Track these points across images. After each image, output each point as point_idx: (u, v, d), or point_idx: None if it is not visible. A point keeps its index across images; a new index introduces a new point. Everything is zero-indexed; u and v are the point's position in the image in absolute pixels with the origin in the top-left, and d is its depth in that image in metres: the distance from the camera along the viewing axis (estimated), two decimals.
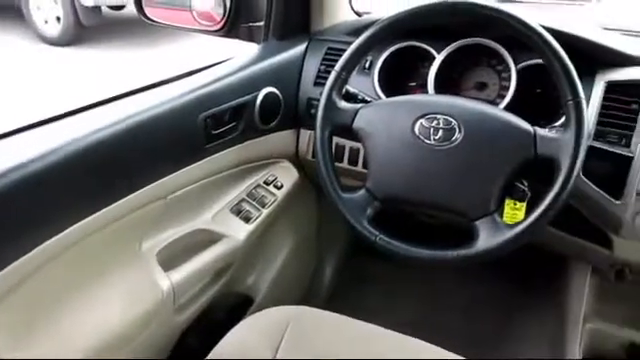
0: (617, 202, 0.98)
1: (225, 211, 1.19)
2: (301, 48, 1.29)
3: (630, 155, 0.96)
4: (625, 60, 1.04)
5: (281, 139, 1.28)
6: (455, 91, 1.19)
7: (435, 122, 0.93)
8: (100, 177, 0.90)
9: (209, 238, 1.14)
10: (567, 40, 0.91)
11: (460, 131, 0.91)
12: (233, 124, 1.15)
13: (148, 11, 1.28)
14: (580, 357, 1.18)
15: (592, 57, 1.04)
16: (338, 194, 0.99)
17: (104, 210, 0.91)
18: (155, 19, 1.29)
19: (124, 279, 0.98)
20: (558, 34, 0.90)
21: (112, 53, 5.04)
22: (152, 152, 0.99)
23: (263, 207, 1.23)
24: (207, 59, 1.26)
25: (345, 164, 1.23)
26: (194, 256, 1.10)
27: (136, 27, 5.53)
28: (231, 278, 1.22)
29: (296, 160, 1.33)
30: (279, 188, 1.27)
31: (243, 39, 1.31)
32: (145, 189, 0.97)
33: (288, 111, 1.26)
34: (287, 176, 1.30)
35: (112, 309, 0.95)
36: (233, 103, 1.12)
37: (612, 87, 1.01)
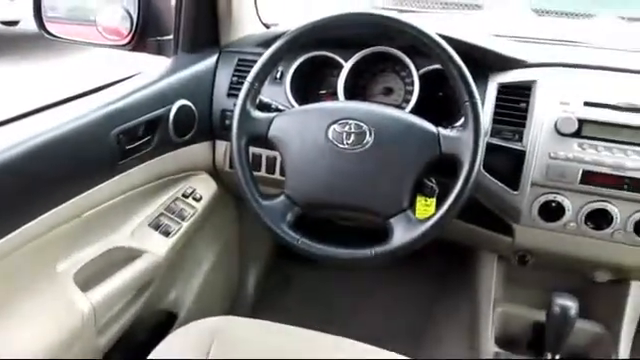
0: (515, 193, 1.07)
1: (144, 226, 1.17)
2: (212, 61, 1.29)
3: (523, 149, 1.05)
4: (513, 63, 1.14)
5: (197, 151, 1.28)
6: (364, 97, 1.25)
7: (347, 127, 0.97)
8: (10, 199, 0.86)
9: (128, 255, 1.12)
10: (462, 47, 0.99)
11: (371, 134, 0.96)
12: (147, 138, 1.14)
13: (50, 26, 1.23)
14: (492, 339, 1.27)
15: (485, 62, 1.13)
16: (258, 202, 1.01)
17: (16, 232, 0.87)
18: (58, 35, 1.24)
19: (41, 303, 0.94)
20: (454, 42, 0.97)
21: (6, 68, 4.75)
22: (65, 170, 0.96)
23: (183, 220, 1.22)
24: (108, 74, 1.23)
25: (263, 173, 1.25)
26: (114, 274, 1.08)
27: (32, 43, 5.24)
28: (153, 295, 1.20)
29: (214, 172, 1.33)
30: (198, 200, 1.26)
31: (152, 53, 1.30)
32: (59, 208, 0.94)
33: (203, 123, 1.26)
34: (206, 188, 1.30)
35: (30, 336, 0.90)
36: (146, 117, 1.11)
37: (503, 88, 1.10)
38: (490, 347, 1.25)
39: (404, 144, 0.96)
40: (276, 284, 1.75)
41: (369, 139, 0.96)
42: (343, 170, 0.97)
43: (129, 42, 1.24)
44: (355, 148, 0.96)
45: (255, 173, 1.06)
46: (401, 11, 1.10)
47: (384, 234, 0.96)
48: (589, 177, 1.02)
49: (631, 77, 1.10)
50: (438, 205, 0.96)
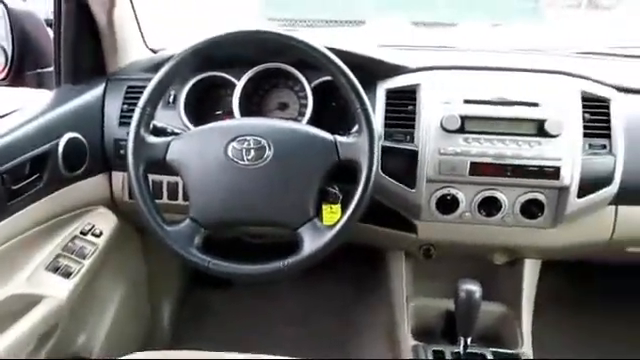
0: (412, 190, 1.13)
1: (40, 270, 1.10)
2: (99, 90, 1.25)
3: (415, 149, 1.12)
4: (398, 70, 1.21)
5: (93, 185, 1.22)
6: (260, 114, 1.26)
7: (246, 143, 0.98)
8: None
9: (27, 302, 1.04)
10: (349, 58, 1.03)
11: (270, 148, 0.97)
12: (36, 176, 1.07)
13: None
14: (409, 333, 1.32)
15: (371, 70, 1.19)
16: (163, 229, 0.98)
17: None
18: None
19: None
20: (341, 53, 1.01)
21: None
22: None
23: (84, 259, 1.16)
24: None
25: (165, 200, 1.22)
26: (13, 325, 1.00)
27: None
28: (60, 341, 1.12)
29: (113, 205, 1.28)
30: (98, 236, 1.21)
31: (32, 87, 1.23)
32: None
33: (95, 155, 1.21)
34: (105, 222, 1.25)
35: None
36: (31, 154, 1.05)
37: (391, 93, 1.16)
38: (408, 341, 1.30)
39: (304, 154, 0.98)
40: (192, 313, 1.70)
41: (269, 153, 0.97)
42: (246, 186, 0.98)
43: (5, 77, 1.17)
44: (256, 163, 0.97)
45: (157, 201, 1.03)
46: (282, 25, 1.14)
47: (295, 245, 0.98)
48: (476, 168, 1.10)
49: (502, 74, 1.20)
50: (343, 210, 0.99)
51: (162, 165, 1.00)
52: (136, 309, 1.48)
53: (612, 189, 1.10)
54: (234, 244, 1.28)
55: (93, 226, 1.21)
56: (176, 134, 1.07)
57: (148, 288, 1.54)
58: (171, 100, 1.22)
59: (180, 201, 1.21)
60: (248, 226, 1.15)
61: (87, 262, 1.15)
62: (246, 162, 0.97)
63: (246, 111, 1.20)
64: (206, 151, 0.99)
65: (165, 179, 1.21)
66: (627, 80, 1.20)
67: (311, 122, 1.15)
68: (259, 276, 0.98)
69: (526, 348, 1.27)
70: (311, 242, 0.96)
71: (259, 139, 0.98)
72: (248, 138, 0.98)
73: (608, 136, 1.11)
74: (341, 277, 1.69)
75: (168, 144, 1.00)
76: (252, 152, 0.97)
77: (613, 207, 1.16)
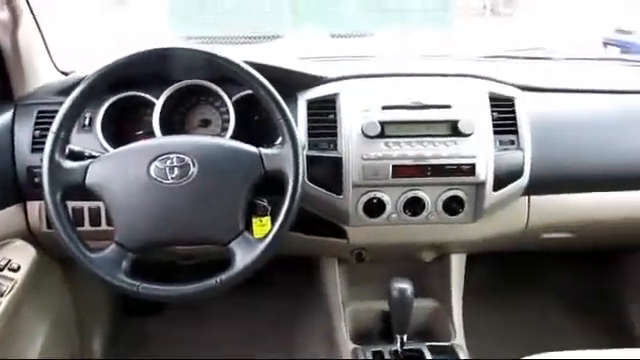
0: (340, 197, 1.15)
1: None
2: (7, 116, 1.19)
3: (339, 156, 1.14)
4: (317, 80, 1.23)
5: (6, 217, 1.16)
6: (183, 132, 1.24)
7: (169, 162, 0.96)
8: None
9: None
10: (268, 71, 1.04)
11: (195, 165, 0.96)
12: None
13: None
14: (348, 337, 1.34)
15: (291, 82, 1.20)
16: (86, 256, 0.94)
17: None
18: None
19: None
20: (260, 67, 1.02)
21: None
22: None
23: (1, 296, 1.09)
24: None
25: (88, 227, 1.17)
26: None
27: None
28: None
29: (30, 236, 1.21)
30: (16, 271, 1.14)
31: None
32: None
33: (7, 185, 1.15)
34: (23, 255, 1.18)
35: None
36: None
37: (312, 104, 1.19)
38: (348, 345, 1.31)
39: (229, 169, 0.98)
40: (126, 344, 1.63)
41: (193, 170, 0.96)
42: (172, 205, 0.96)
43: None
44: (181, 181, 0.96)
45: (79, 229, 0.99)
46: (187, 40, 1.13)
47: (227, 261, 0.97)
48: (398, 171, 1.14)
49: (417, 80, 1.26)
50: (273, 222, 1.00)
51: (82, 190, 0.97)
52: (64, 344, 1.41)
53: (523, 181, 1.18)
54: (165, 267, 1.25)
55: (9, 261, 1.14)
56: (95, 157, 1.04)
57: (76, 321, 1.47)
58: (87, 123, 1.18)
59: (104, 226, 1.17)
60: (177, 246, 1.12)
61: (5, 299, 1.09)
62: (170, 181, 0.96)
63: (167, 130, 1.18)
64: (127, 172, 0.96)
65: (86, 205, 1.16)
66: (528, 80, 1.29)
67: (235, 136, 1.14)
68: (192, 295, 0.96)
69: (459, 338, 1.32)
70: (243, 256, 0.96)
71: (182, 156, 0.97)
72: (171, 156, 0.97)
73: (515, 132, 1.19)
74: (276, 289, 1.69)
75: (86, 168, 0.97)
76: (176, 170, 0.96)
77: (526, 198, 1.24)
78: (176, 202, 0.96)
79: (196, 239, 1.01)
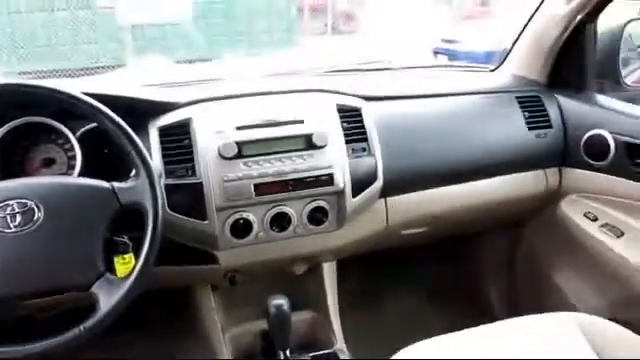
0: (205, 222, 1.13)
1: None
2: None
3: (199, 181, 1.12)
4: (167, 107, 1.20)
5: None
6: (24, 174, 1.14)
7: (9, 209, 0.88)
8: None
9: None
10: (113, 100, 1.00)
11: (40, 210, 0.89)
12: None
13: None
14: None
15: (140, 110, 1.16)
16: None
17: None
18: None
19: None
20: (103, 97, 0.98)
21: None
22: None
23: None
24: None
25: None
26: None
27: None
28: None
29: None
30: None
31: None
32: None
33: None
34: None
35: None
36: None
37: (164, 131, 1.15)
38: None
39: (80, 208, 0.92)
40: None
41: (39, 215, 0.89)
42: (20, 256, 0.88)
43: None
44: (25, 228, 0.88)
45: None
46: (41, 77, 1.05)
47: (92, 306, 0.91)
48: (260, 189, 1.15)
49: (268, 98, 1.28)
50: (137, 258, 0.95)
51: None
52: None
53: (378, 184, 1.26)
54: (23, 324, 1.13)
55: None
56: None
57: None
58: None
59: None
60: (32, 299, 1.02)
61: None
62: (13, 229, 0.87)
63: (5, 174, 1.07)
64: None
65: None
66: (371, 90, 1.38)
67: (84, 174, 1.07)
68: (57, 348, 0.88)
69: (340, 344, 1.37)
70: (107, 298, 0.91)
71: (24, 201, 0.89)
72: (10, 202, 0.88)
73: (366, 140, 1.26)
74: (152, 325, 1.60)
75: None
76: (18, 217, 0.88)
77: (383, 199, 1.32)
78: (23, 252, 0.88)
79: (53, 288, 0.93)
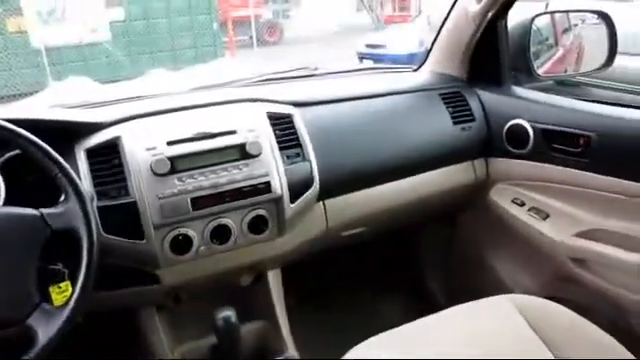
0: (143, 242, 1.10)
1: None
2: None
3: (133, 200, 1.10)
4: (93, 127, 1.17)
5: None
6: None
7: None
8: None
9: None
10: (35, 124, 0.96)
11: None
12: None
13: None
14: None
15: (64, 133, 1.12)
16: None
17: None
18: None
19: None
20: (23, 122, 0.94)
21: None
22: None
23: None
24: None
25: None
26: None
27: None
28: None
29: None
30: None
31: None
32: None
33: None
34: None
35: None
36: None
37: (92, 152, 1.12)
38: None
39: (7, 239, 0.88)
40: None
41: None
42: None
43: None
44: None
45: None
46: None
47: (29, 338, 0.87)
48: (198, 203, 1.14)
49: (199, 111, 1.27)
50: (74, 286, 0.92)
51: None
52: None
53: (315, 189, 1.27)
54: None
55: None
56: None
57: None
58: None
59: None
60: None
61: None
62: None
63: None
64: None
65: None
66: (300, 96, 1.40)
67: (8, 203, 1.02)
68: None
69: (292, 351, 1.37)
70: (45, 329, 0.87)
71: None
72: None
73: (299, 145, 1.28)
74: (96, 350, 1.53)
75: None
76: None
77: (321, 203, 1.34)
78: None
79: None
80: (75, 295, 0.90)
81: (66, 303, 0.90)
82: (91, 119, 1.18)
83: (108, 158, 1.12)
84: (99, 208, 1.05)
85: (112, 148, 1.13)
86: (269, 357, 1.35)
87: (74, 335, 0.90)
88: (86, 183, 1.08)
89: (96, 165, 1.11)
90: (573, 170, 1.35)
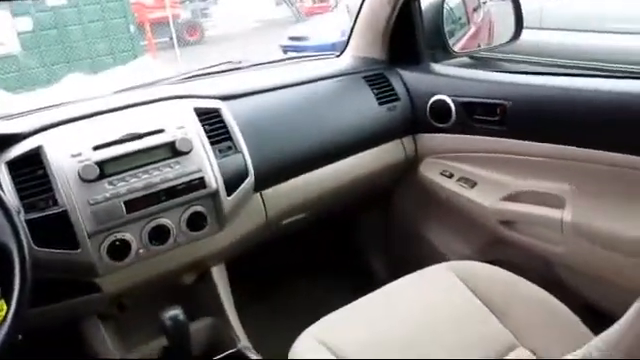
0: (78, 251, 1.07)
1: None
2: None
3: (64, 209, 1.06)
4: (11, 139, 1.12)
5: None
6: None
7: None
8: None
9: None
10: None
11: None
12: None
13: None
14: None
15: None
16: None
17: None
18: None
19: None
20: None
21: None
22: None
23: None
24: None
25: None
26: None
27: None
28: None
29: None
30: None
31: None
32: None
33: None
34: None
35: None
36: None
37: (13, 165, 1.07)
38: None
39: None
40: None
41: None
42: None
43: None
44: None
45: None
46: None
47: None
48: (132, 205, 1.12)
49: (124, 113, 1.24)
50: (8, 303, 0.88)
51: None
52: None
53: (250, 180, 1.28)
54: None
55: None
56: None
57: None
58: None
59: None
60: None
61: None
62: None
63: None
64: None
65: None
66: (226, 90, 1.40)
67: None
68: None
69: (244, 342, 1.37)
70: None
71: None
72: None
73: (230, 138, 1.28)
74: None
75: None
76: None
77: (258, 194, 1.34)
78: None
79: None
80: (10, 313, 0.86)
81: (1, 323, 0.86)
82: (8, 130, 1.13)
83: (32, 169, 1.08)
84: (28, 221, 1.02)
85: (34, 158, 1.09)
86: (221, 351, 1.34)
87: (14, 354, 0.86)
88: (11, 197, 1.03)
89: (20, 177, 1.07)
90: (494, 138, 1.43)
